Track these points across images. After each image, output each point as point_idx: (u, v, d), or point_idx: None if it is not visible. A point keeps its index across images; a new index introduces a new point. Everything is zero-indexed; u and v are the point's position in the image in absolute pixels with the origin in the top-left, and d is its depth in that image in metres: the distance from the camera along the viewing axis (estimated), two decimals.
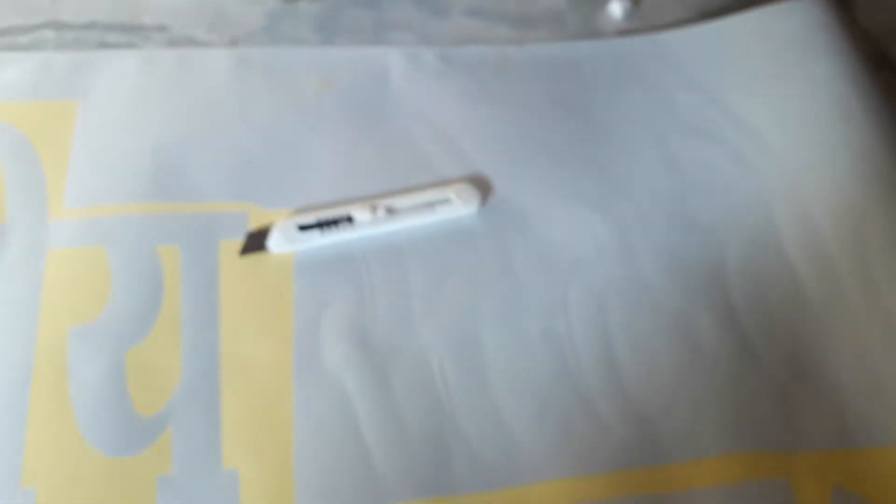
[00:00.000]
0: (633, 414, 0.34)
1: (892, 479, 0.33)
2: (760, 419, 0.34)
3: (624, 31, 0.44)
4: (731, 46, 0.42)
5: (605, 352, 0.35)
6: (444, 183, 0.38)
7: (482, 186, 0.38)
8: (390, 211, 0.37)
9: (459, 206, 0.37)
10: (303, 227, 0.36)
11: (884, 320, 0.35)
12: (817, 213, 0.37)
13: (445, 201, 0.37)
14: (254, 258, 0.36)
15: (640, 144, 0.40)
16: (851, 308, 0.36)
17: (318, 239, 0.36)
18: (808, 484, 0.33)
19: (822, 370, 0.35)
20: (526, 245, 0.37)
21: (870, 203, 0.37)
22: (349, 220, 0.36)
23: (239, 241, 0.36)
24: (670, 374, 0.35)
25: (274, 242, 0.36)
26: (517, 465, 0.33)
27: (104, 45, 0.41)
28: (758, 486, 0.32)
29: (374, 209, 0.37)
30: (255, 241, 0.36)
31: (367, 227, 0.36)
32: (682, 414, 0.34)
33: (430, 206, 0.37)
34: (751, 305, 0.36)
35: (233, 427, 0.33)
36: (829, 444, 0.33)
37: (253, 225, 0.36)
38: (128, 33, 0.41)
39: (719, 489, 0.32)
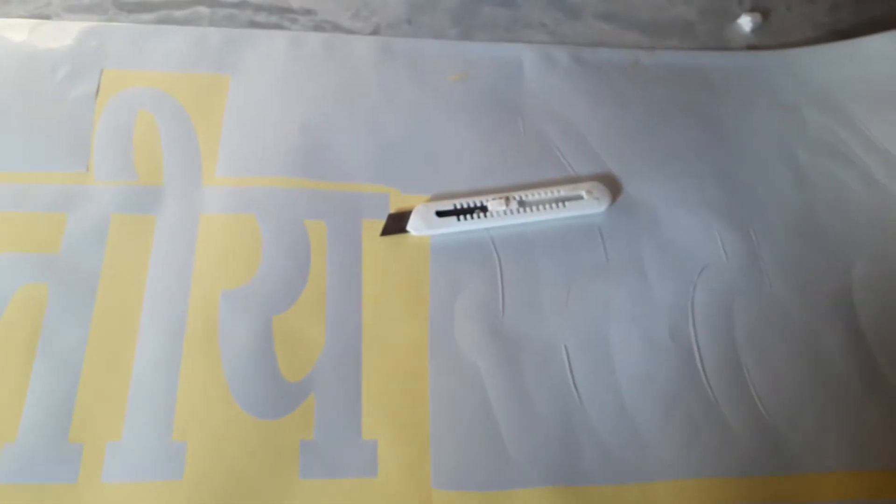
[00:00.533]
0: (759, 422, 0.34)
1: None
2: (887, 440, 0.34)
3: (752, 46, 0.44)
4: (862, 68, 0.42)
5: (731, 358, 0.35)
6: (574, 179, 0.39)
7: (611, 186, 0.39)
8: (522, 203, 0.38)
9: (590, 204, 0.38)
10: (440, 213, 0.37)
11: None
12: None
13: (577, 198, 0.38)
14: (393, 239, 0.37)
15: (768, 157, 0.40)
16: None
17: (453, 225, 0.37)
18: None
19: None
20: (654, 247, 0.38)
21: None
22: (483, 209, 0.37)
23: (380, 221, 0.37)
24: (796, 386, 0.35)
25: (413, 225, 0.37)
26: (645, 462, 0.33)
27: (253, 25, 0.42)
28: None
29: (507, 201, 0.38)
30: (396, 223, 0.37)
31: (500, 217, 0.37)
32: (807, 427, 0.34)
33: (562, 201, 0.38)
34: (878, 326, 0.36)
35: (372, 398, 0.34)
36: None
37: (393, 208, 0.38)
38: (276, 14, 0.43)
39: None
